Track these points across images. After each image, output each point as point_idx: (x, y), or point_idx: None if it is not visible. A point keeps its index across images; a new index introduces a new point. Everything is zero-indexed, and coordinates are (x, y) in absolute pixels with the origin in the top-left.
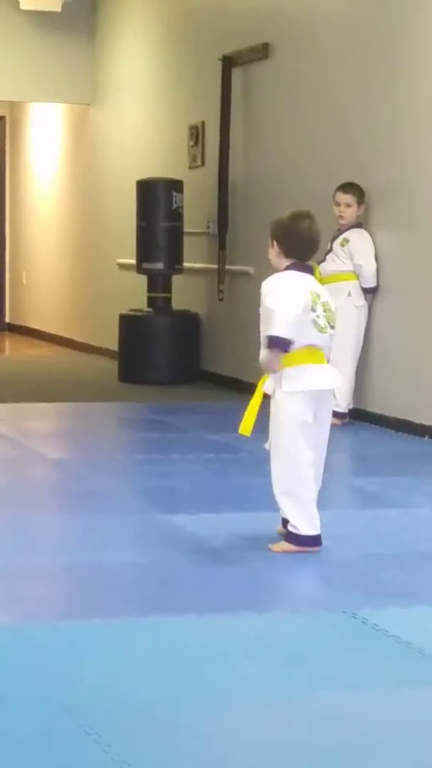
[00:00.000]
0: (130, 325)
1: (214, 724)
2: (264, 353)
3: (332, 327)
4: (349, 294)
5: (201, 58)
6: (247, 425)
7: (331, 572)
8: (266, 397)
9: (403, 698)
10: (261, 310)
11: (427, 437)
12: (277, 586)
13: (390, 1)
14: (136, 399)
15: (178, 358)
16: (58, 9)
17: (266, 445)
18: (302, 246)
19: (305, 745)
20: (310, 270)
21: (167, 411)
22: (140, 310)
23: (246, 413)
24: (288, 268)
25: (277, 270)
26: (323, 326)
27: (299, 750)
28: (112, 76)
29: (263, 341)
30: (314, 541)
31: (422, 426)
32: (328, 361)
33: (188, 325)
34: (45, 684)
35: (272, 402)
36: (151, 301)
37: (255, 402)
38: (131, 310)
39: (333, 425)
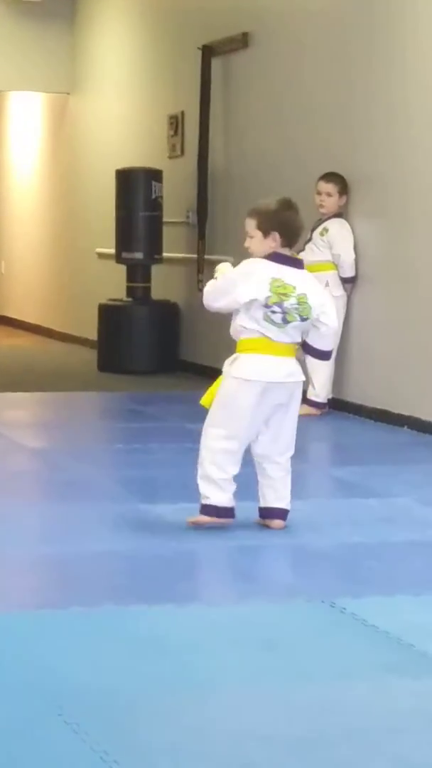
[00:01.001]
0: (109, 314)
1: (193, 713)
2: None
3: (304, 319)
4: (327, 284)
5: (181, 47)
6: (208, 397)
7: (310, 561)
8: None
9: (382, 688)
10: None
11: (405, 427)
12: (257, 575)
13: None
14: (115, 388)
15: (157, 347)
16: None
17: None
18: (295, 235)
19: (285, 735)
20: (290, 261)
21: (147, 400)
22: (120, 300)
23: (211, 387)
24: (268, 256)
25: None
26: (279, 323)
27: (279, 740)
28: (92, 66)
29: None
30: (224, 512)
31: (401, 416)
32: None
33: (167, 315)
34: (24, 673)
35: (222, 379)
36: (130, 291)
37: (220, 378)
38: (111, 299)
39: (312, 415)
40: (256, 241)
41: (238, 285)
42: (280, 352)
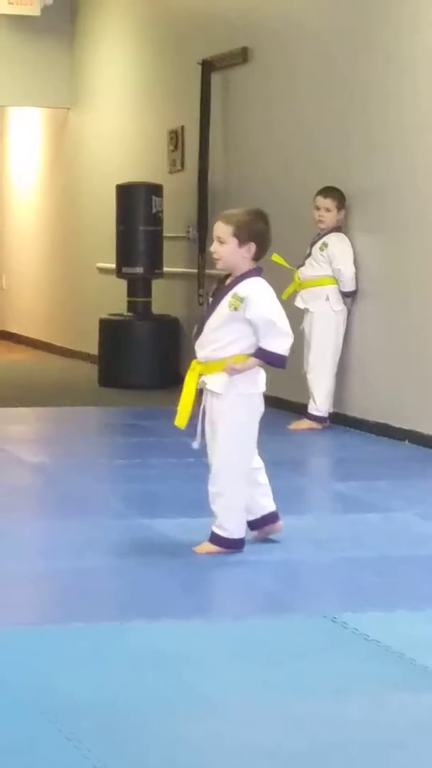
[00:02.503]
0: (110, 329)
1: (195, 729)
2: (253, 361)
3: None
4: (327, 298)
5: (180, 62)
6: (182, 418)
7: (310, 576)
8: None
9: (384, 703)
10: (254, 316)
11: (406, 441)
12: (257, 590)
13: (367, 8)
14: (116, 403)
15: (158, 362)
16: (38, 13)
17: (195, 444)
18: (267, 250)
19: (286, 750)
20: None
21: (147, 415)
22: (120, 315)
23: (181, 406)
24: (257, 273)
25: (232, 267)
26: None
27: (280, 755)
28: (91, 81)
29: (265, 348)
30: (239, 544)
31: (402, 430)
32: None
33: (168, 330)
34: (25, 689)
35: (220, 403)
36: (131, 306)
37: (191, 395)
38: (111, 314)
39: (313, 429)
40: (229, 248)
41: (284, 319)
42: None
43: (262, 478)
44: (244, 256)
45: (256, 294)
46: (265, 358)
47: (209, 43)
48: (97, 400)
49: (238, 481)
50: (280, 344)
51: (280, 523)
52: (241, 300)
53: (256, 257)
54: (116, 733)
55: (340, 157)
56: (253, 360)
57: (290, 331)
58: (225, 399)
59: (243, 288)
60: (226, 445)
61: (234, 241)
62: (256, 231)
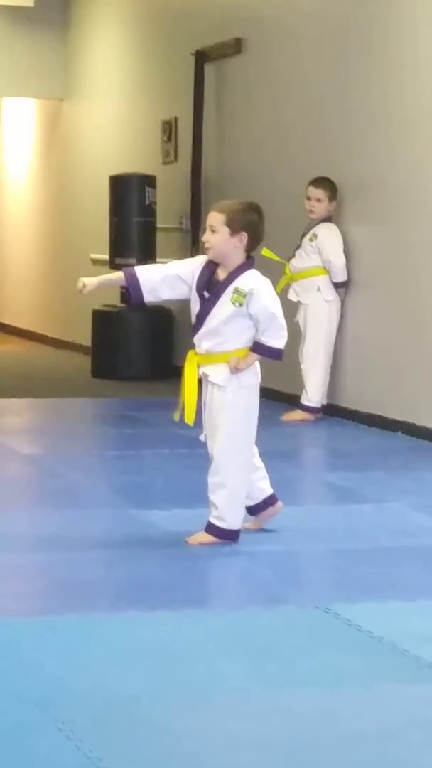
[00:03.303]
0: (103, 320)
1: (188, 719)
2: (254, 357)
3: None
4: (319, 289)
5: (174, 53)
6: (190, 414)
7: (304, 567)
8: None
9: (376, 693)
10: (257, 310)
11: (399, 432)
12: (250, 581)
13: None
14: (109, 394)
15: (151, 353)
16: (31, 4)
17: (202, 437)
18: (259, 242)
19: (279, 741)
20: None
21: (140, 406)
22: (113, 306)
23: (186, 402)
24: (251, 265)
25: (223, 257)
26: None
27: (273, 746)
28: (85, 72)
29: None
30: (235, 535)
31: (395, 421)
32: None
33: (161, 321)
34: (18, 679)
35: (223, 395)
36: (124, 297)
37: (193, 388)
38: (104, 305)
39: (306, 420)
40: (220, 236)
41: (281, 312)
42: None
43: (258, 461)
44: (236, 246)
45: (259, 288)
46: (265, 352)
47: (202, 34)
48: (90, 391)
49: (241, 472)
50: (280, 338)
51: (280, 503)
52: (244, 295)
53: (248, 248)
54: (110, 724)
55: (335, 148)
56: (254, 356)
57: (286, 325)
58: (227, 390)
59: (243, 282)
60: (229, 435)
61: (226, 230)
62: (248, 221)
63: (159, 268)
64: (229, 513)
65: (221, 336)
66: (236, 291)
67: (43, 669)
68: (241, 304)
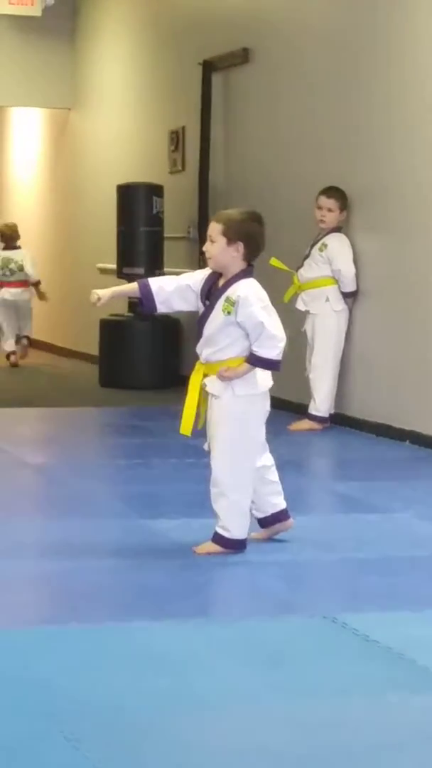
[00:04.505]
0: (110, 330)
1: (195, 730)
2: (246, 368)
3: None
4: (327, 299)
5: (181, 63)
6: (187, 425)
7: (312, 577)
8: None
9: (384, 703)
10: (243, 318)
11: (407, 442)
12: (258, 591)
13: (369, 8)
14: (117, 404)
15: (159, 362)
16: (38, 13)
17: (206, 446)
18: (259, 251)
19: (286, 751)
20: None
21: (148, 416)
22: (121, 315)
23: (185, 412)
24: (247, 274)
25: (223, 267)
26: None
27: (280, 756)
28: (92, 81)
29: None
30: (241, 545)
31: (402, 431)
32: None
33: (169, 330)
34: (25, 690)
35: (219, 404)
36: (131, 306)
37: (194, 400)
38: (112, 315)
39: (314, 430)
40: (218, 246)
41: (276, 323)
42: None
43: (272, 476)
44: (233, 256)
45: (246, 296)
46: (258, 363)
47: (210, 44)
48: (97, 400)
49: (240, 482)
50: (271, 348)
51: (291, 520)
52: (233, 303)
53: (247, 258)
54: (117, 734)
55: (341, 158)
56: (246, 366)
57: (281, 334)
58: (222, 401)
59: (234, 291)
60: (225, 446)
61: (223, 240)
62: (245, 231)
63: (171, 279)
64: (231, 523)
65: (216, 345)
66: (227, 299)
67: (51, 679)
68: (230, 313)
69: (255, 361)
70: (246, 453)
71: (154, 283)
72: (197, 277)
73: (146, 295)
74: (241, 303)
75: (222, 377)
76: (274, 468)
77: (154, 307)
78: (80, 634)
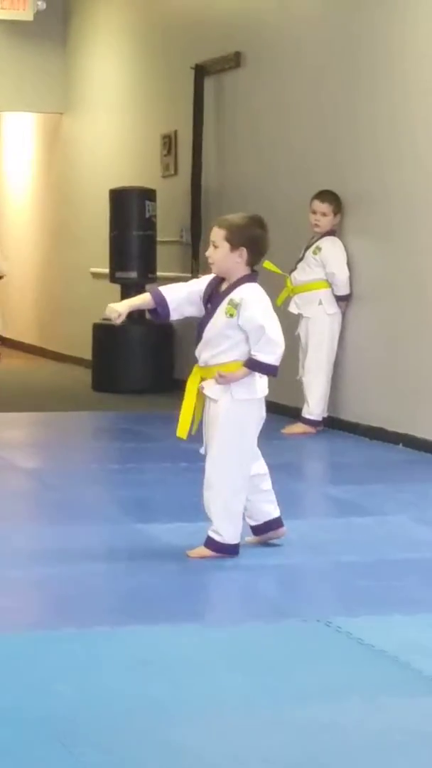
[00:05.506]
0: (103, 334)
1: (189, 734)
2: (243, 372)
3: None
4: (320, 302)
5: (173, 67)
6: (184, 429)
7: (305, 581)
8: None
9: (379, 707)
10: (244, 321)
11: (401, 445)
12: (252, 595)
13: (364, 9)
14: (110, 408)
15: (152, 366)
16: (30, 18)
17: (202, 450)
18: (262, 255)
19: (281, 755)
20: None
21: (141, 420)
22: (109, 320)
23: (181, 416)
24: (251, 278)
25: (226, 272)
26: None
27: (275, 760)
28: (84, 85)
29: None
30: (234, 549)
31: (396, 434)
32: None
33: (162, 334)
34: (19, 694)
35: (216, 408)
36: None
37: (191, 404)
38: (105, 319)
39: (308, 433)
40: (221, 252)
41: (277, 328)
42: None
43: (266, 484)
44: (237, 261)
45: (249, 299)
46: (256, 368)
47: (202, 48)
48: (90, 404)
49: (233, 487)
50: (270, 353)
51: (283, 529)
52: (236, 306)
53: (251, 262)
54: (112, 739)
55: (333, 161)
56: (244, 370)
57: (281, 340)
58: (220, 405)
59: (237, 294)
60: (221, 450)
61: (226, 245)
62: (248, 236)
63: (181, 286)
64: (223, 527)
65: (216, 348)
66: (230, 302)
67: (44, 684)
68: (232, 315)
69: (253, 365)
70: (240, 458)
71: (167, 291)
72: (203, 283)
73: (160, 302)
74: (244, 305)
75: (220, 380)
76: (267, 476)
77: (168, 314)
78: (74, 638)
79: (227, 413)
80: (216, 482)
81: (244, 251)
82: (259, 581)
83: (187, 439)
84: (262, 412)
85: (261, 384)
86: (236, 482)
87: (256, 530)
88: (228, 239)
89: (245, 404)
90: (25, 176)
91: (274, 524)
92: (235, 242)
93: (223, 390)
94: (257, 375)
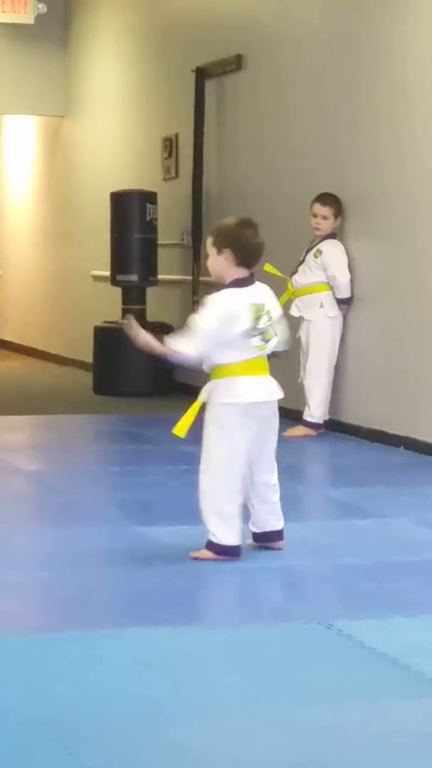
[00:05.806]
0: (104, 337)
1: (191, 736)
2: (157, 345)
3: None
4: (322, 305)
5: (174, 69)
6: (182, 427)
7: (306, 583)
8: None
9: (379, 709)
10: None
11: (402, 448)
12: (253, 597)
13: (365, 11)
14: (111, 411)
15: (153, 369)
16: (31, 21)
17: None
18: (252, 254)
19: (283, 758)
20: (252, 281)
21: (142, 423)
22: (115, 322)
23: (186, 415)
24: (234, 284)
25: (220, 277)
26: (259, 345)
27: (276, 762)
28: (85, 88)
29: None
30: (232, 551)
31: (397, 437)
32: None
33: (163, 337)
34: (21, 697)
35: (207, 410)
36: (125, 313)
37: (196, 406)
38: (106, 322)
39: (309, 436)
40: (211, 258)
41: (208, 322)
42: (260, 371)
43: (274, 497)
44: (224, 264)
45: (206, 298)
46: (170, 354)
47: (203, 51)
48: (91, 407)
49: (219, 491)
50: (178, 341)
51: (282, 542)
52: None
53: (240, 263)
54: (113, 741)
55: (334, 164)
56: (159, 346)
57: (199, 345)
58: (207, 407)
59: (207, 297)
60: (206, 453)
61: (214, 251)
62: (230, 236)
63: None
64: (217, 530)
65: (205, 353)
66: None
67: (46, 686)
68: None
69: (170, 352)
70: (224, 462)
71: None
72: None
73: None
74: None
75: (128, 327)
76: (277, 488)
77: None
78: (75, 640)
79: (210, 416)
80: (202, 483)
81: (228, 252)
82: (260, 584)
83: (184, 437)
84: (247, 419)
85: (246, 390)
86: (221, 485)
87: (256, 537)
88: (214, 244)
89: (225, 408)
90: (26, 179)
91: (274, 536)
92: (219, 245)
93: (208, 392)
94: (240, 380)
